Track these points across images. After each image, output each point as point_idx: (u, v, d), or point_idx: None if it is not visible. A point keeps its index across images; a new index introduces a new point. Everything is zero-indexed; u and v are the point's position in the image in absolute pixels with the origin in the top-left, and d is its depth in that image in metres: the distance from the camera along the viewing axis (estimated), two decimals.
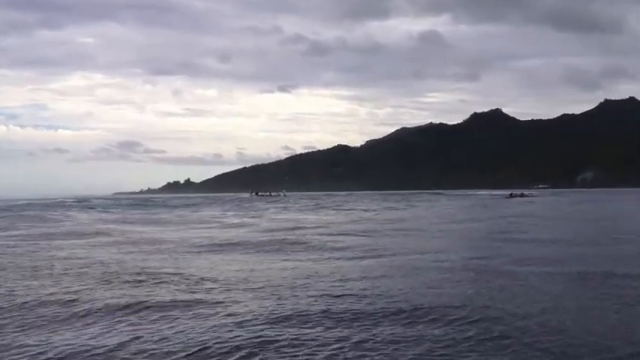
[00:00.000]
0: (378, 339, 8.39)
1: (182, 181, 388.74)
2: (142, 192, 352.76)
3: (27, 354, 8.14)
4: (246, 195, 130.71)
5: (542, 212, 49.16)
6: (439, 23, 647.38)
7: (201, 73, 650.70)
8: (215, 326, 9.24)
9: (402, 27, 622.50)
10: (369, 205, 76.36)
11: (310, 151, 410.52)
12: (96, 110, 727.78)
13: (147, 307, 10.68)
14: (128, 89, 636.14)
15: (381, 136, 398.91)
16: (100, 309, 10.68)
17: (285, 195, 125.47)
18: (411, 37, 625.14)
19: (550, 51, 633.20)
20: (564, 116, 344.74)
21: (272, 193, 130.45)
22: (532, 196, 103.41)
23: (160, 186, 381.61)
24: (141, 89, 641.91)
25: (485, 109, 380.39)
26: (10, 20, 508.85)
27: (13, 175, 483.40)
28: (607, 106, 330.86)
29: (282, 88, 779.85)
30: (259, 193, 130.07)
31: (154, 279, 13.81)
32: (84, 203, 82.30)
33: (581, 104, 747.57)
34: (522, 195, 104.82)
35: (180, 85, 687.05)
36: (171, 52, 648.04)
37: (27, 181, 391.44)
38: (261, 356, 7.74)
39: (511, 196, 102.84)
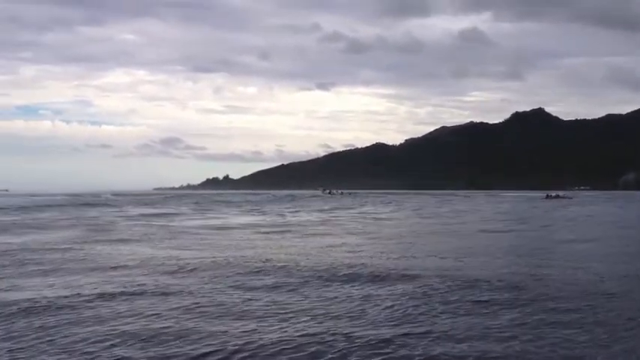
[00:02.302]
0: None
1: (221, 178, 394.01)
2: (181, 187, 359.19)
3: None
4: (319, 193, 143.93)
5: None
6: (480, 21, 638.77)
7: (242, 70, 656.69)
8: None
9: (442, 25, 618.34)
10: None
11: (349, 149, 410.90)
12: (139, 106, 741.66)
13: None
14: (170, 86, 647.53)
15: (420, 135, 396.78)
16: None
17: (355, 194, 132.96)
18: (452, 35, 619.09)
19: (595, 49, 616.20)
20: (609, 116, 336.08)
21: (342, 192, 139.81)
22: (567, 198, 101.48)
23: (200, 182, 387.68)
24: (182, 86, 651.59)
25: (527, 109, 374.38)
26: (53, 16, 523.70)
27: (57, 170, 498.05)
28: None
29: (321, 86, 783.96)
30: (332, 192, 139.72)
31: None
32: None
33: (626, 104, 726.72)
34: (557, 196, 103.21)
35: (221, 82, 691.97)
36: (212, 49, 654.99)
37: (71, 177, 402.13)
38: None
39: (547, 197, 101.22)
